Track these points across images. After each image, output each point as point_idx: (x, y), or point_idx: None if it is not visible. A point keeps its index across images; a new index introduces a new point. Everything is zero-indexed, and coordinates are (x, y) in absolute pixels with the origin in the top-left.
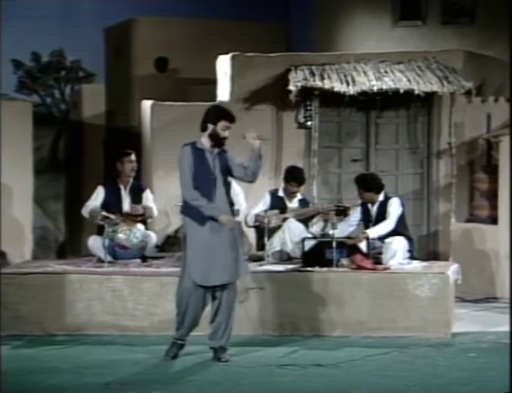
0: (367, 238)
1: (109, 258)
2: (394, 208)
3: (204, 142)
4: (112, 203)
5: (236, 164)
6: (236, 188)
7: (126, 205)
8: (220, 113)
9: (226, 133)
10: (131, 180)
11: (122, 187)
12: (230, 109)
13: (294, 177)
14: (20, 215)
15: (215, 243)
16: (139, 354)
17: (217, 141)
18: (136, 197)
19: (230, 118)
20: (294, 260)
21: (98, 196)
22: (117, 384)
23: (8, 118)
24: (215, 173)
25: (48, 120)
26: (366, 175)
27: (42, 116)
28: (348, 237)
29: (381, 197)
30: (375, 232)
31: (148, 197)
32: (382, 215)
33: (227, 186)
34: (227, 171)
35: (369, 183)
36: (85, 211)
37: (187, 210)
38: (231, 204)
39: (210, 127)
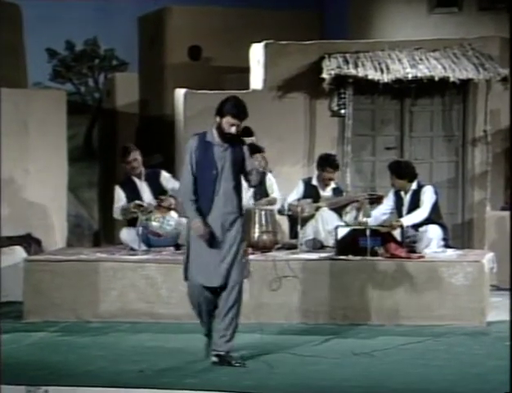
0: (401, 226)
1: (143, 247)
2: (428, 196)
3: (214, 133)
4: (132, 198)
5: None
6: (271, 179)
7: (146, 196)
8: (227, 107)
9: (232, 130)
10: (142, 170)
11: (136, 180)
12: (244, 105)
13: (329, 162)
14: (55, 203)
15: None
16: (173, 342)
17: (222, 136)
18: (154, 184)
19: (236, 115)
20: (327, 249)
21: (120, 197)
22: (151, 371)
23: (43, 106)
24: (219, 168)
25: (82, 109)
26: (400, 162)
27: (77, 105)
28: (382, 225)
29: (414, 186)
30: (408, 220)
31: (166, 179)
32: (415, 204)
33: (237, 181)
34: (240, 166)
35: (402, 171)
36: (116, 214)
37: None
38: (240, 199)
39: (218, 120)
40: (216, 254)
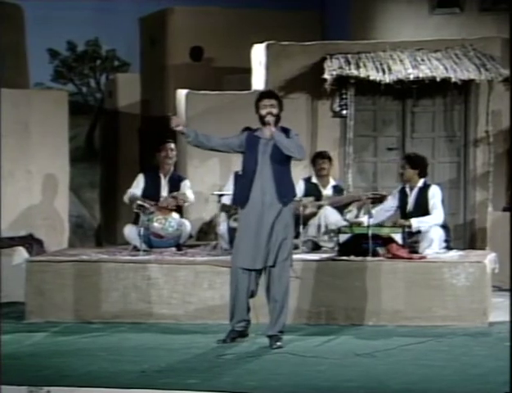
0: (409, 227)
1: (144, 246)
2: (438, 199)
3: (263, 129)
4: (151, 191)
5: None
6: None
7: (164, 194)
8: (258, 95)
9: (266, 110)
10: (171, 170)
11: (162, 176)
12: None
13: (319, 153)
14: (57, 204)
15: (256, 226)
16: (174, 343)
17: (262, 122)
18: (175, 187)
19: (265, 95)
20: (323, 249)
21: (139, 184)
22: (153, 372)
23: (44, 107)
24: (260, 161)
25: (84, 109)
26: (417, 154)
27: (78, 105)
28: (394, 225)
29: (420, 183)
30: (420, 222)
31: (186, 186)
32: (420, 202)
33: (279, 172)
34: (286, 156)
35: (418, 160)
36: (126, 197)
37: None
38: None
39: (258, 117)
40: (254, 238)
